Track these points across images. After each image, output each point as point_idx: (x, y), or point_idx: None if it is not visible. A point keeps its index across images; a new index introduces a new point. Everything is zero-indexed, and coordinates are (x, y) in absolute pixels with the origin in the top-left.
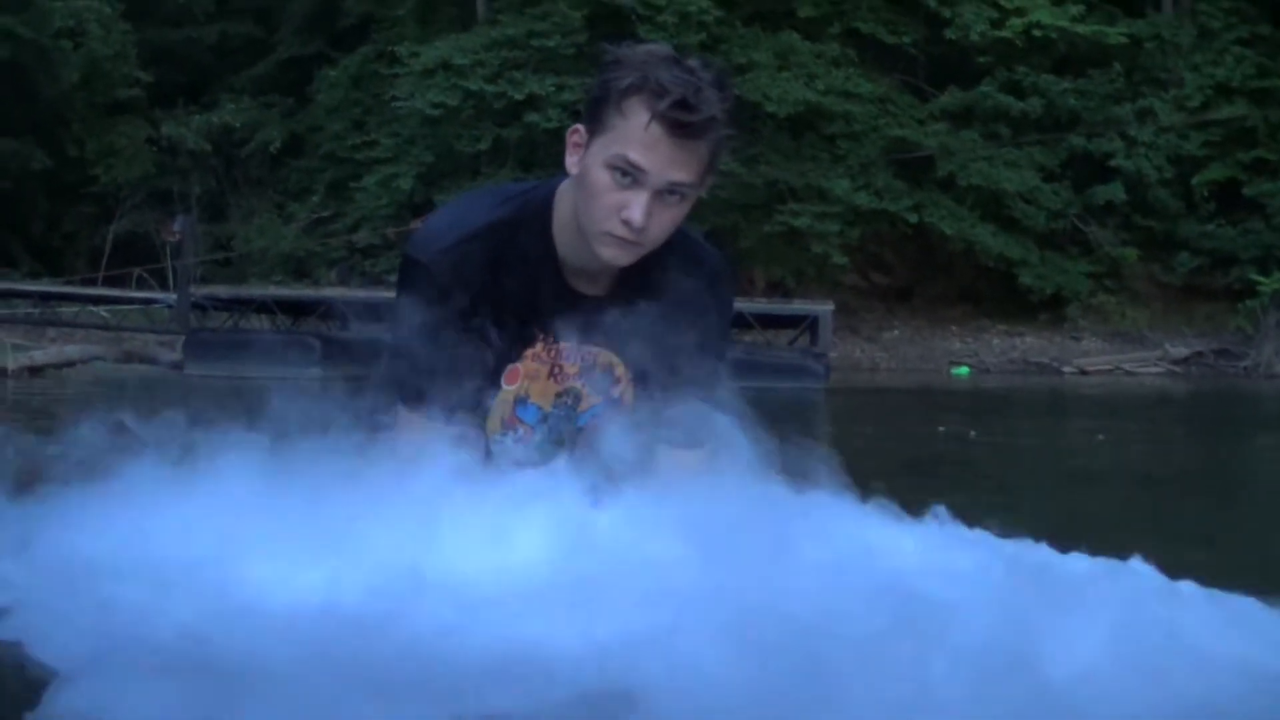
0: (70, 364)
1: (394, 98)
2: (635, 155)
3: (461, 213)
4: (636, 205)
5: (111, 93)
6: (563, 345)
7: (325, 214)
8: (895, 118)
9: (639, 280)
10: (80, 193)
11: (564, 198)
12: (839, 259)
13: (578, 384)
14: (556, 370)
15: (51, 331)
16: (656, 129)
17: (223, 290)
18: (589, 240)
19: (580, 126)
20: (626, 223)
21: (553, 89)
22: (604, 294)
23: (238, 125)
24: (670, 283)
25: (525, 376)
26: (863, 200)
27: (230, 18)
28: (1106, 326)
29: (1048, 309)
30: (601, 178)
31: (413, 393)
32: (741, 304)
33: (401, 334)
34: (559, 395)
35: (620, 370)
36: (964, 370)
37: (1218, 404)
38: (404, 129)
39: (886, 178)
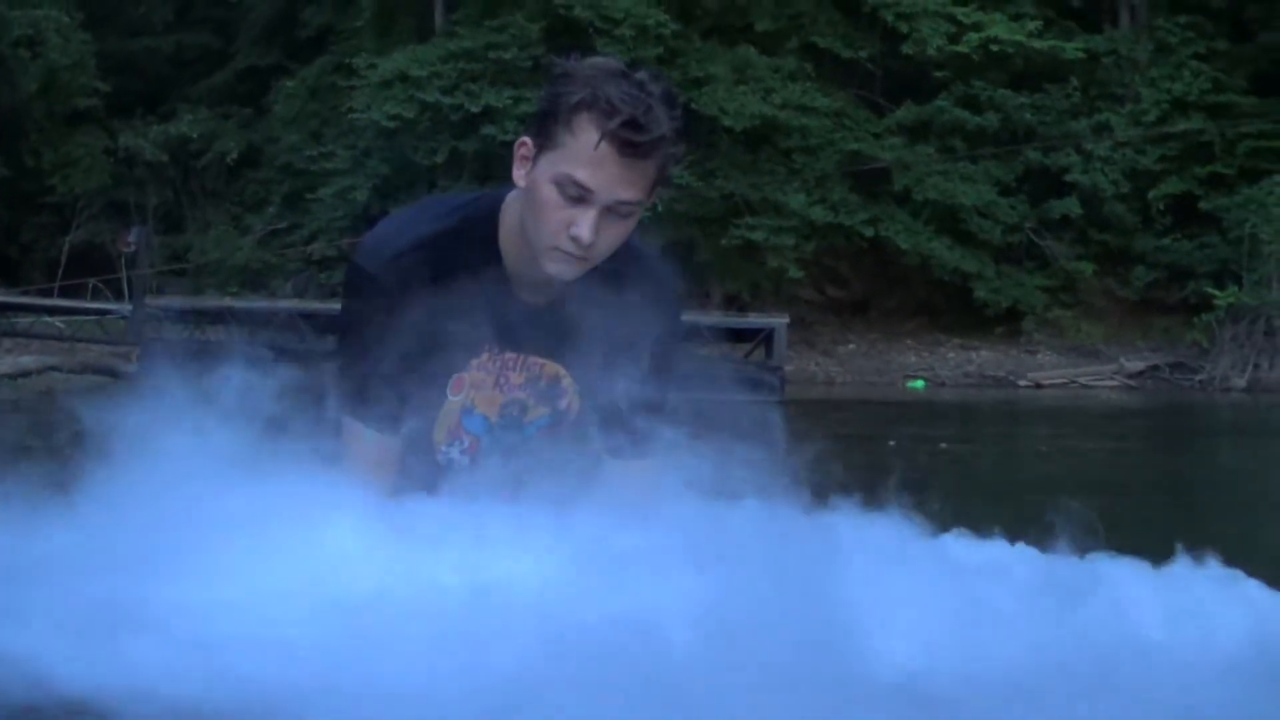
0: (26, 374)
1: (351, 109)
2: (582, 175)
3: (408, 222)
4: (584, 223)
5: (69, 102)
6: (509, 355)
7: (281, 226)
8: (852, 132)
9: (586, 290)
10: (37, 203)
11: (511, 209)
12: (795, 273)
13: (523, 394)
14: (502, 380)
15: (7, 342)
16: (605, 148)
17: (178, 301)
18: (536, 255)
19: (528, 139)
20: (574, 239)
21: (509, 101)
22: (550, 304)
23: (195, 136)
24: (618, 293)
25: (471, 386)
26: (819, 214)
27: (188, 28)
28: (1062, 340)
29: (1003, 323)
30: (549, 194)
31: (357, 402)
32: (697, 317)
33: (347, 343)
34: (505, 406)
35: (567, 381)
36: (919, 384)
37: (1172, 417)
38: (361, 140)
39: (843, 191)
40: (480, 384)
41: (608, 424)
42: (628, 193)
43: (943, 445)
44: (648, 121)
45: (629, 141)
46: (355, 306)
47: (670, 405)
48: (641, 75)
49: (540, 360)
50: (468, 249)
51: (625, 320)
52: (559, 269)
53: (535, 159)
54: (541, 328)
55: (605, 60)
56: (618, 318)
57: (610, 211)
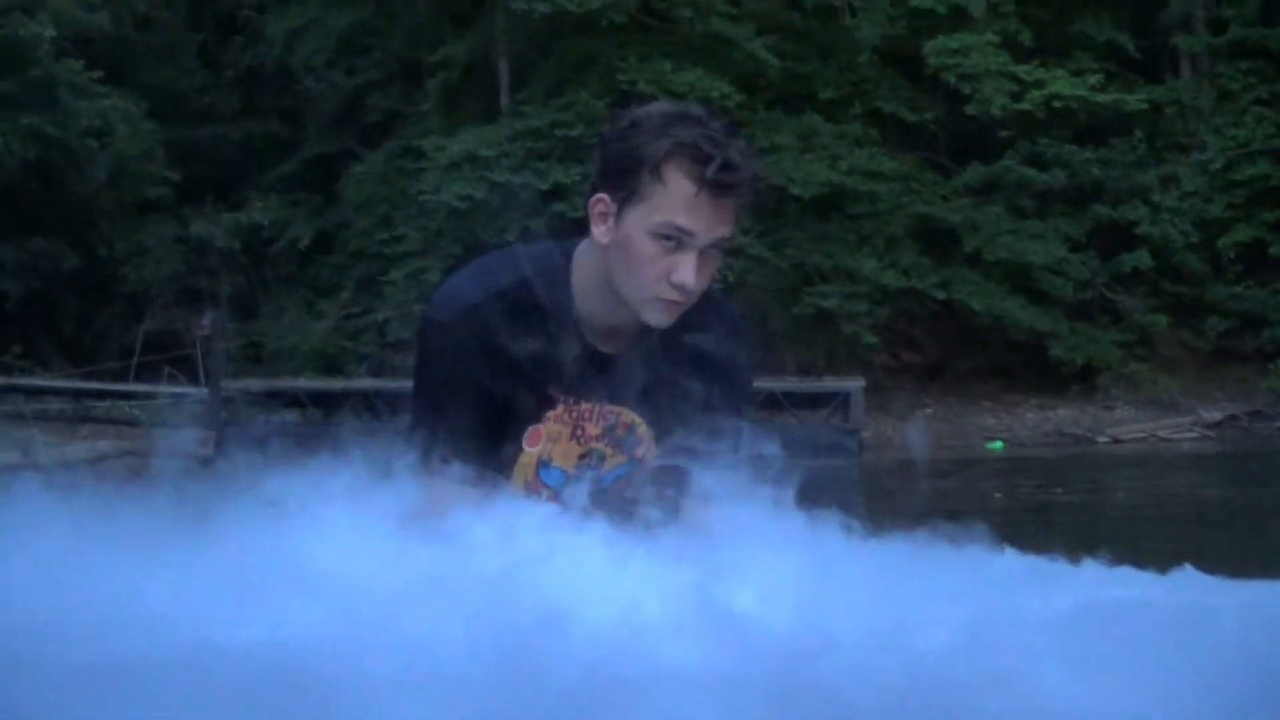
0: (103, 458)
1: (421, 191)
2: (684, 221)
3: (480, 274)
4: (686, 268)
5: (140, 191)
6: (585, 406)
7: (355, 310)
8: (919, 195)
9: (659, 337)
10: (110, 292)
11: (585, 260)
12: (869, 339)
13: (601, 444)
14: (579, 431)
15: (84, 428)
16: (704, 193)
17: (254, 383)
18: (634, 306)
19: (604, 196)
20: (678, 286)
21: (578, 178)
22: (625, 352)
23: (266, 223)
24: (689, 337)
25: (547, 438)
26: (890, 279)
27: (256, 116)
28: (1139, 395)
29: (1079, 380)
30: (646, 246)
31: (435, 457)
32: (772, 383)
33: (422, 397)
34: (581, 457)
35: (643, 429)
36: (998, 445)
37: (1258, 464)
38: (431, 222)
39: (913, 255)
40: (556, 436)
41: (684, 470)
42: (724, 229)
43: (1058, 489)
44: (735, 160)
45: (723, 182)
46: (430, 359)
47: (746, 447)
48: (700, 113)
49: (616, 409)
50: (541, 300)
51: (698, 364)
52: (660, 318)
53: (619, 214)
54: (617, 376)
55: (664, 105)
56: (691, 362)
57: (705, 253)
